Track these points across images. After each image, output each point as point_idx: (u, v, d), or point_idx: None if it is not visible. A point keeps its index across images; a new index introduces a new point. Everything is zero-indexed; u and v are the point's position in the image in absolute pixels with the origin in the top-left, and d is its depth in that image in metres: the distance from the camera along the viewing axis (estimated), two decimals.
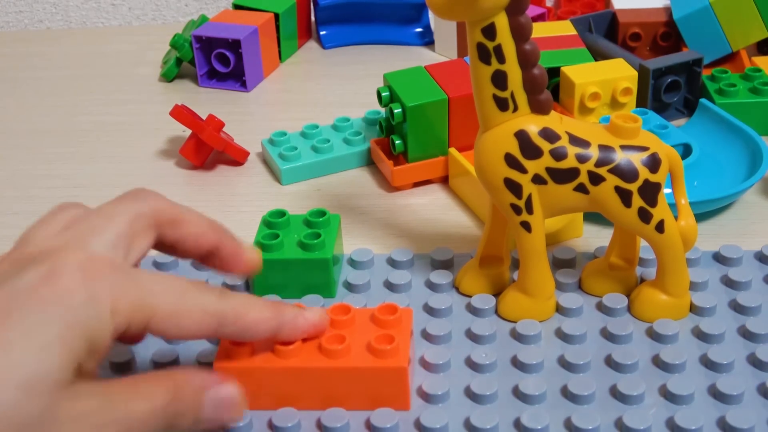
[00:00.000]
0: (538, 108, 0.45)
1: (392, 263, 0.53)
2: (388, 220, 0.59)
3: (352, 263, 0.53)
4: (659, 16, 0.76)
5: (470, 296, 0.50)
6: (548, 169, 0.45)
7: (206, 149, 0.65)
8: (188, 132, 0.68)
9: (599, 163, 0.45)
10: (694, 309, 0.49)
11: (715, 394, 0.43)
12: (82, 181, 0.65)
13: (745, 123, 0.63)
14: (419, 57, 0.83)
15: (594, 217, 0.56)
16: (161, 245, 0.41)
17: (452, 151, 0.61)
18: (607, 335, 0.47)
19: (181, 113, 0.64)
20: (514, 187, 0.45)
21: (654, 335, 0.47)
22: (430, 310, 0.49)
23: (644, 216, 0.46)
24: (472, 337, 0.47)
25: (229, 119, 0.70)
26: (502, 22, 0.43)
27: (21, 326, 0.33)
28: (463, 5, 0.42)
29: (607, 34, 0.77)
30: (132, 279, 0.36)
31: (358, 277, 0.52)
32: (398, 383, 0.42)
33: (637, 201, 0.45)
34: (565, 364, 0.45)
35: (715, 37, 0.72)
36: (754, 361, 0.45)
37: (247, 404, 0.40)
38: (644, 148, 0.45)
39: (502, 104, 0.44)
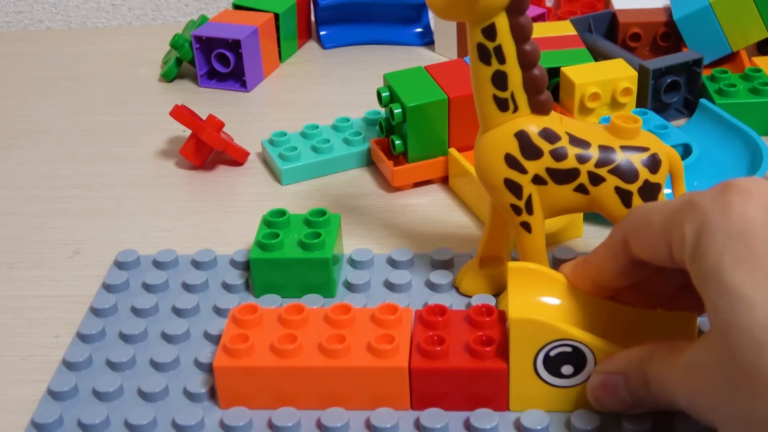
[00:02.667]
0: (538, 108, 0.45)
1: (392, 263, 0.53)
2: (388, 220, 0.59)
3: (352, 263, 0.53)
4: (659, 16, 0.76)
5: (470, 296, 0.50)
6: (548, 170, 0.45)
7: (206, 149, 0.65)
8: (188, 132, 0.68)
9: (599, 164, 0.45)
10: None
11: None
12: (82, 181, 0.65)
13: (745, 123, 0.63)
14: (419, 57, 0.83)
15: (594, 217, 0.56)
16: None
17: (452, 151, 0.61)
18: None
19: (181, 113, 0.64)
20: (514, 188, 0.45)
21: None
22: None
23: None
24: None
25: (229, 119, 0.70)
26: (502, 23, 0.43)
27: None
28: (463, 6, 0.42)
29: (607, 34, 0.77)
30: None
31: (358, 276, 0.52)
32: (398, 383, 0.42)
33: (638, 201, 0.45)
34: None
35: (715, 37, 0.72)
36: None
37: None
38: (644, 149, 0.45)
39: (502, 105, 0.44)
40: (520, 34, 0.43)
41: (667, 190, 0.47)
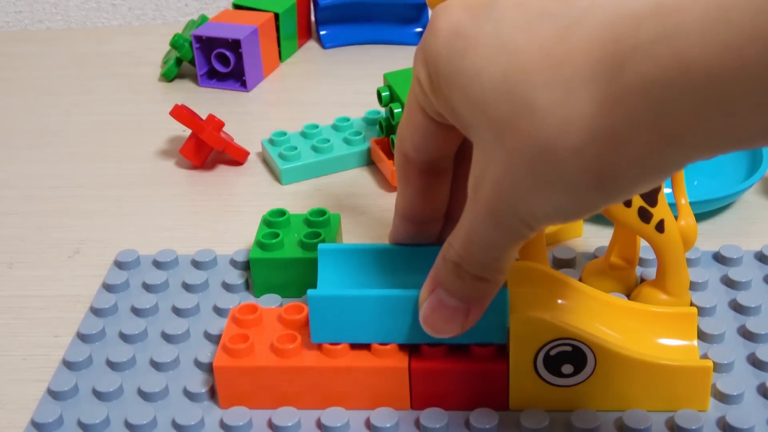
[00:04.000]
0: None
1: None
2: (388, 219, 0.59)
3: None
4: None
5: None
6: None
7: (206, 149, 0.65)
8: (188, 132, 0.68)
9: None
10: None
11: (716, 393, 0.43)
12: (82, 181, 0.65)
13: None
14: None
15: (594, 217, 0.56)
16: None
17: None
18: None
19: (181, 113, 0.64)
20: None
21: None
22: None
23: (644, 216, 0.46)
24: None
25: (229, 119, 0.70)
26: None
27: None
28: None
29: None
30: None
31: None
32: (398, 383, 0.42)
33: (637, 201, 0.45)
34: None
35: None
36: (754, 361, 0.45)
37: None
38: None
39: None
40: None
41: (667, 190, 0.47)
